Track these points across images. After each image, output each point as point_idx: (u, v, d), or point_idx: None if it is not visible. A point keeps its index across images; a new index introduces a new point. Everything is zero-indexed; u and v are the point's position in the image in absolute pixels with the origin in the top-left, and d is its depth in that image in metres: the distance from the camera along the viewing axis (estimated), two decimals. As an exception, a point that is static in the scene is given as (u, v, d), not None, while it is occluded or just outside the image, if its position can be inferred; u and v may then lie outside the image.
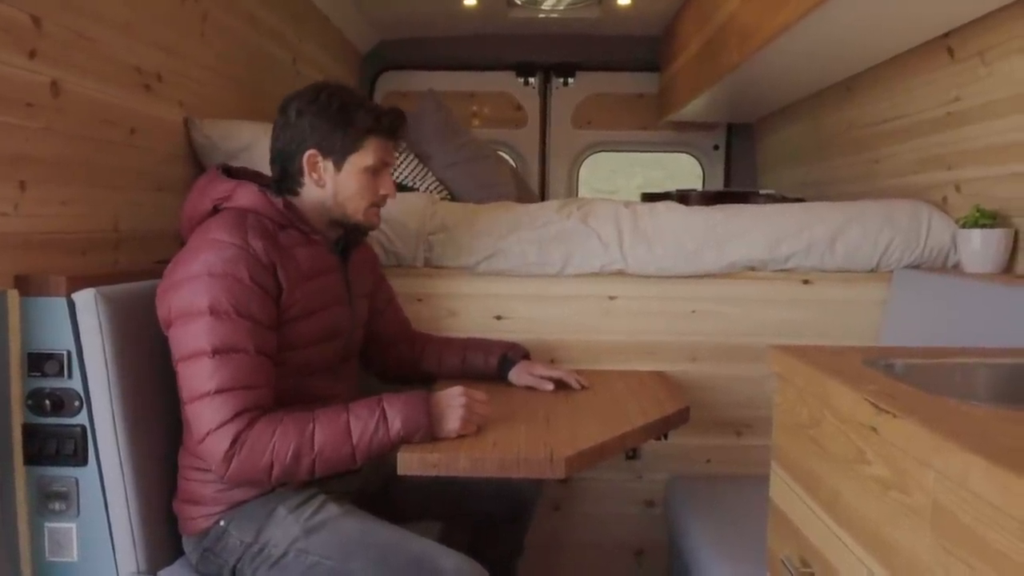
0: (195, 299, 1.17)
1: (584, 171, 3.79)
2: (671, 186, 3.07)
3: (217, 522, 1.24)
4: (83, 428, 1.26)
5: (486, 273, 1.79)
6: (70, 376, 1.25)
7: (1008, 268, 1.59)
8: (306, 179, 1.34)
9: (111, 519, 1.27)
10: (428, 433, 1.21)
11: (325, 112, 1.32)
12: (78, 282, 1.26)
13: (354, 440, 1.19)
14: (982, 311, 1.41)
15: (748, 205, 1.91)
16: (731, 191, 3.19)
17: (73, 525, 1.28)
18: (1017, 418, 0.76)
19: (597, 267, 1.77)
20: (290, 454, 1.16)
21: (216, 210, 1.29)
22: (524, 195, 2.44)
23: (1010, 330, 1.31)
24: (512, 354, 1.62)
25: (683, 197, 2.33)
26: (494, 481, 1.51)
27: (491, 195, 2.14)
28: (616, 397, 1.53)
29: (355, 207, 1.36)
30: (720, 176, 3.68)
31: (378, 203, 1.40)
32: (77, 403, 1.25)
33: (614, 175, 4.41)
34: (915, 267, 1.75)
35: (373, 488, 1.43)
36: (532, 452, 1.17)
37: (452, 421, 1.23)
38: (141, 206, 1.63)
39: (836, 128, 2.57)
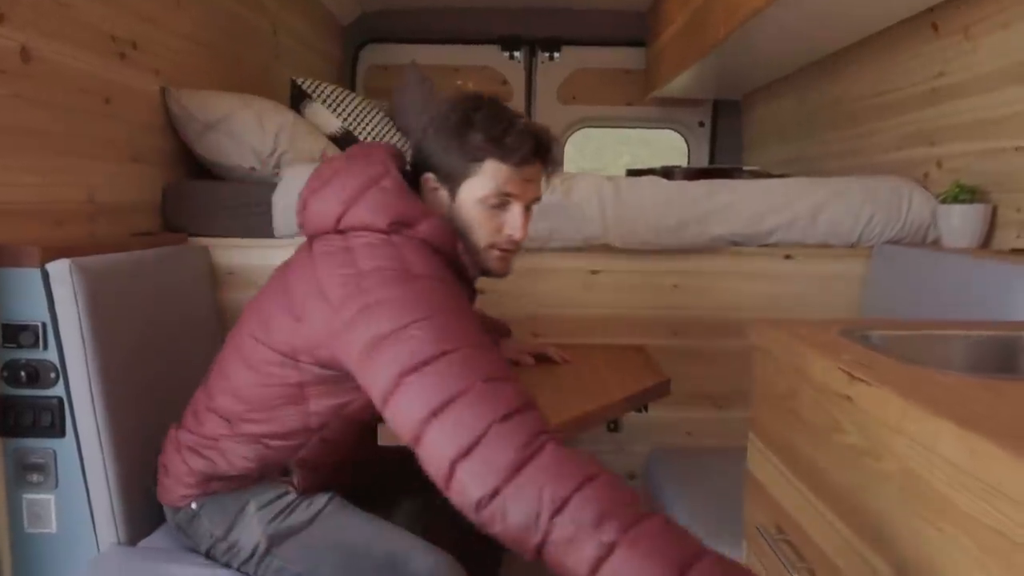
0: (411, 308, 0.96)
1: (571, 149, 3.77)
2: (657, 164, 3.06)
3: (190, 504, 1.18)
4: (60, 400, 1.25)
5: (469, 247, 1.78)
6: (45, 347, 1.24)
7: (986, 243, 1.60)
8: (430, 205, 1.13)
9: (90, 490, 1.26)
10: None
11: (444, 126, 1.12)
12: (52, 253, 1.24)
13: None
14: (960, 285, 1.42)
15: (732, 180, 1.91)
16: (715, 167, 3.19)
17: (52, 497, 1.27)
18: (988, 386, 0.77)
19: (579, 241, 1.77)
20: (594, 507, 0.79)
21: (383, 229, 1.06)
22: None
23: (987, 304, 1.33)
24: (499, 333, 1.61)
25: (667, 173, 2.31)
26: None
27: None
28: (597, 370, 1.54)
29: (470, 244, 1.14)
30: (705, 154, 3.68)
31: (500, 245, 1.15)
32: (53, 375, 1.24)
33: (601, 153, 4.40)
34: (895, 242, 1.76)
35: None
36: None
37: None
38: (117, 177, 1.60)
39: (822, 104, 2.57)
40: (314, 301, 1.04)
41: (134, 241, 1.58)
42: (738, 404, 1.81)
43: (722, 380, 1.83)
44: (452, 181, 1.13)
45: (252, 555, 1.15)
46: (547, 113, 3.62)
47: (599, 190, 1.79)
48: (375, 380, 0.94)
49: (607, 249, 1.79)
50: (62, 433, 1.25)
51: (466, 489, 0.83)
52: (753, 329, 1.17)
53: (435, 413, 0.87)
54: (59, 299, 1.23)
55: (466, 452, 0.84)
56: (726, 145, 3.62)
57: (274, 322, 1.10)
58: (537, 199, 1.18)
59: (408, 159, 1.21)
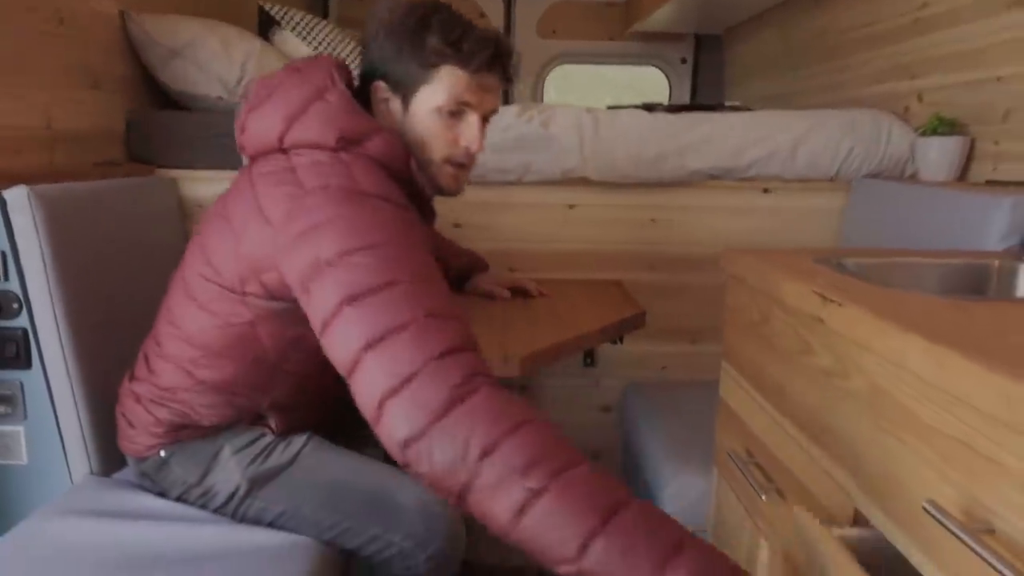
0: (365, 234, 0.89)
1: (552, 91, 3.69)
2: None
3: (158, 452, 1.12)
4: (24, 331, 1.22)
5: (444, 179, 1.75)
6: (6, 278, 1.20)
7: (962, 176, 1.60)
8: (380, 118, 1.06)
9: (60, 422, 1.24)
10: None
11: (398, 29, 1.03)
12: (9, 180, 1.19)
13: (599, 527, 0.73)
14: (936, 218, 1.42)
15: (712, 113, 1.88)
16: (696, 104, 3.15)
17: (21, 428, 1.26)
18: (958, 306, 0.78)
19: (557, 174, 1.75)
20: (522, 453, 0.75)
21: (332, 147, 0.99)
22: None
23: (962, 236, 1.33)
24: (477, 267, 1.59)
25: (648, 109, 2.28)
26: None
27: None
28: (574, 303, 1.53)
29: (423, 158, 1.07)
30: (687, 93, 3.63)
31: (456, 158, 1.08)
32: (16, 305, 1.21)
33: (582, 97, 4.31)
34: (874, 176, 1.76)
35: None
36: (487, 352, 1.17)
37: None
38: (77, 104, 1.54)
39: (805, 37, 2.53)
40: (254, 223, 0.97)
41: (97, 171, 1.52)
42: (713, 339, 1.82)
43: (697, 315, 1.84)
44: (405, 89, 1.05)
45: (231, 499, 1.11)
46: (526, 48, 3.53)
47: (579, 122, 1.75)
48: (316, 307, 0.89)
49: (585, 183, 1.77)
50: (28, 364, 1.23)
51: (393, 427, 0.79)
52: (726, 258, 1.17)
53: (371, 345, 0.82)
54: (18, 228, 1.19)
55: (397, 388, 0.80)
56: (708, 83, 3.57)
57: (217, 256, 1.03)
58: (494, 111, 1.10)
59: (357, 73, 1.12)
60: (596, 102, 1.91)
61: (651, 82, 3.72)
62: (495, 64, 1.06)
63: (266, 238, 0.95)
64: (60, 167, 1.46)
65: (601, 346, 1.86)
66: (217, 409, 1.10)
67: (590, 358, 1.88)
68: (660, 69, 3.66)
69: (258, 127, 1.03)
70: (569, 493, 0.73)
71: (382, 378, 0.81)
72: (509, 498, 0.74)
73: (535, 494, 0.73)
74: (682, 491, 1.38)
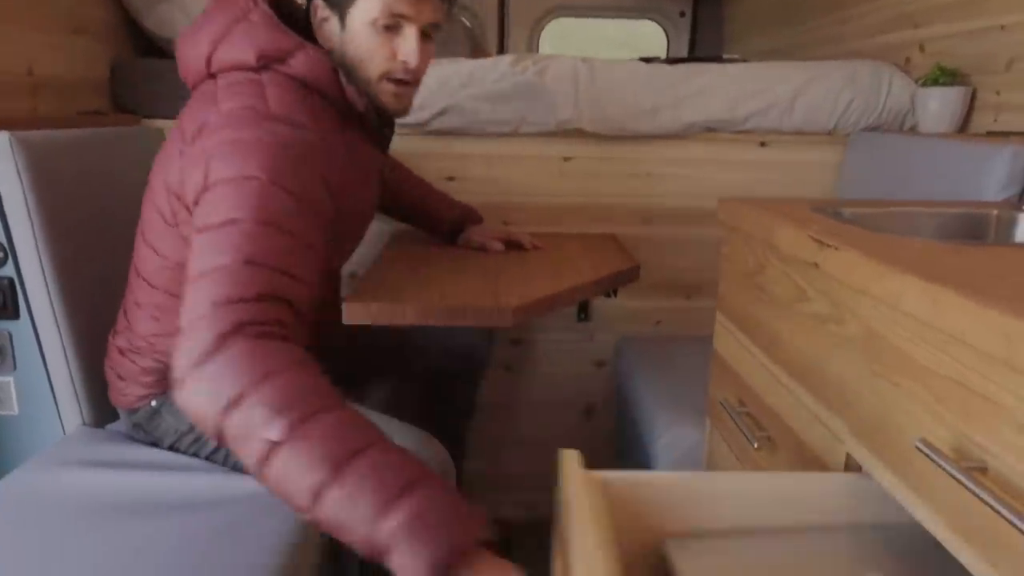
0: (248, 166, 0.89)
1: (547, 48, 3.61)
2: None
3: (150, 402, 1.13)
4: (11, 280, 1.20)
5: (438, 131, 1.72)
6: (-9, 226, 1.18)
7: (963, 128, 1.58)
8: (321, 41, 1.06)
9: (50, 372, 1.24)
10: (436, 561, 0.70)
11: None
12: (-10, 125, 1.16)
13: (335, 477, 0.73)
14: (935, 169, 1.41)
15: (711, 64, 1.84)
16: (695, 56, 3.09)
17: (10, 379, 1.25)
18: (955, 250, 0.77)
19: (552, 126, 1.72)
20: (265, 405, 0.75)
21: (254, 67, 0.99)
22: (479, 57, 2.32)
23: (961, 188, 1.32)
24: (470, 219, 1.57)
25: (646, 62, 2.24)
26: (443, 339, 1.51)
27: (442, 53, 2.02)
28: (568, 256, 1.52)
29: (363, 77, 1.04)
30: (685, 48, 3.55)
31: (394, 74, 1.05)
32: (1, 254, 1.19)
33: (580, 53, 4.23)
34: (872, 129, 1.73)
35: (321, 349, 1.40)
36: (480, 301, 1.16)
37: None
38: (58, 50, 1.50)
39: (805, -11, 2.47)
40: (175, 146, 0.98)
41: (82, 120, 1.49)
42: (708, 294, 1.82)
43: (693, 270, 1.83)
44: (341, 5, 1.02)
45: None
46: (521, 1, 3.45)
47: (574, 71, 1.72)
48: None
49: (580, 135, 1.74)
50: (16, 315, 1.22)
51: (174, 364, 0.80)
52: (723, 207, 1.16)
53: (193, 279, 0.84)
54: (1, 174, 1.16)
55: (185, 327, 0.80)
56: (707, 38, 3.50)
57: (155, 191, 1.04)
58: (435, 25, 1.07)
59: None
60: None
61: (648, 39, 3.65)
62: None
63: (176, 152, 0.97)
64: (43, 115, 1.43)
65: (595, 301, 1.85)
66: None
67: (584, 312, 1.87)
68: (658, 23, 3.59)
69: (189, 54, 1.03)
70: (305, 444, 0.73)
71: (185, 313, 0.82)
72: (252, 449, 0.75)
73: (273, 446, 0.74)
74: (675, 442, 1.38)
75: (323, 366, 1.11)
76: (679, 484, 0.72)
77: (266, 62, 0.99)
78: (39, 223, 1.18)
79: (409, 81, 1.07)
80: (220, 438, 0.77)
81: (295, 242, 0.88)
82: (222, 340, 0.78)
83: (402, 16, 1.02)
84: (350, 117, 1.06)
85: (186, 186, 0.94)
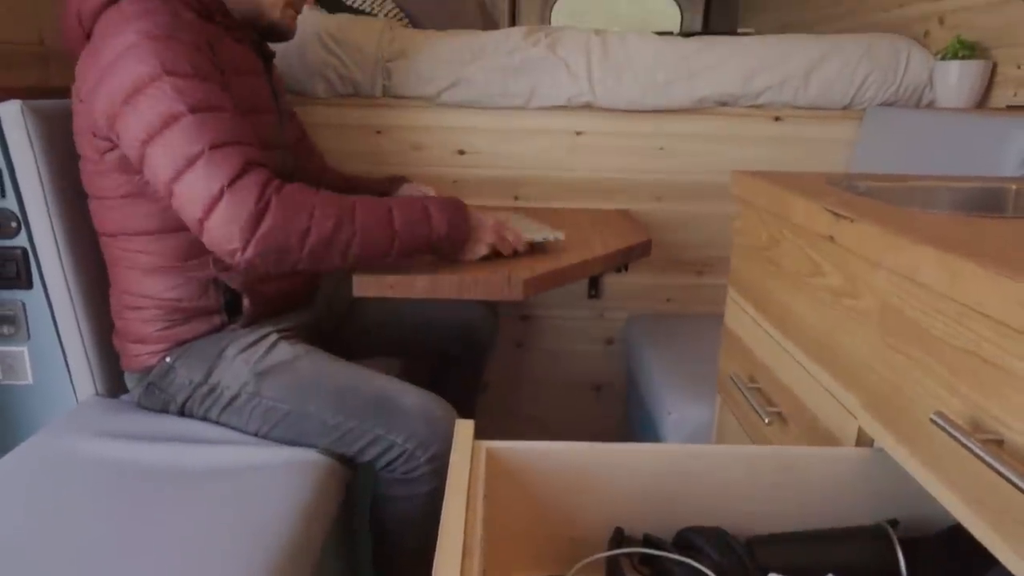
0: (145, 66, 0.97)
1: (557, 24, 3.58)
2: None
3: (163, 359, 1.16)
4: (24, 250, 1.21)
5: (448, 104, 1.71)
6: (3, 195, 1.19)
7: (982, 103, 1.55)
8: None
9: (63, 342, 1.25)
10: (464, 240, 1.16)
11: None
12: (2, 94, 1.16)
13: (396, 226, 1.08)
14: (953, 144, 1.38)
15: (725, 37, 1.81)
16: (709, 31, 3.05)
17: (24, 348, 1.27)
18: (971, 222, 0.75)
19: (564, 99, 1.70)
20: (333, 222, 1.02)
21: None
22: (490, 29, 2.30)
23: (979, 163, 1.29)
24: (397, 182, 1.56)
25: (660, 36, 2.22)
26: (451, 316, 1.52)
27: (454, 25, 2.00)
28: (579, 230, 1.51)
29: (270, 3, 1.18)
30: (699, 24, 3.52)
31: (296, 3, 1.22)
32: (15, 224, 1.20)
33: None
34: (889, 105, 1.71)
35: (327, 326, 1.40)
36: (492, 276, 1.16)
37: (485, 242, 1.19)
38: (69, 20, 1.49)
39: (823, -39, 2.43)
40: (90, 77, 1.04)
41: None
42: (720, 271, 1.81)
43: (704, 246, 1.82)
44: None
45: (238, 395, 1.13)
46: (534, -27, 3.42)
47: (586, 44, 1.70)
48: (125, 146, 1.02)
49: (592, 109, 1.72)
50: (29, 284, 1.23)
51: (227, 238, 1.00)
52: (736, 179, 1.14)
53: (182, 172, 0.97)
54: (13, 144, 1.16)
55: (209, 206, 0.98)
56: (721, 12, 3.46)
57: (80, 147, 1.12)
58: None
59: None
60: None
61: (662, 15, 3.61)
62: None
63: (83, 105, 1.06)
64: (55, 85, 1.42)
65: (605, 277, 1.84)
66: (184, 290, 1.14)
67: (594, 289, 1.87)
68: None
69: (65, 26, 1.11)
70: (365, 223, 1.06)
71: (196, 203, 0.98)
72: (338, 245, 1.05)
73: (351, 237, 1.05)
74: (685, 420, 1.38)
75: (326, 342, 1.18)
76: (568, 453, 0.73)
77: None
78: (51, 192, 1.18)
79: (298, 8, 1.23)
80: (301, 253, 1.02)
81: (228, 113, 1.02)
82: (262, 191, 0.99)
83: None
84: (208, 18, 1.13)
85: (97, 119, 1.03)
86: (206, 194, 0.97)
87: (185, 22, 1.04)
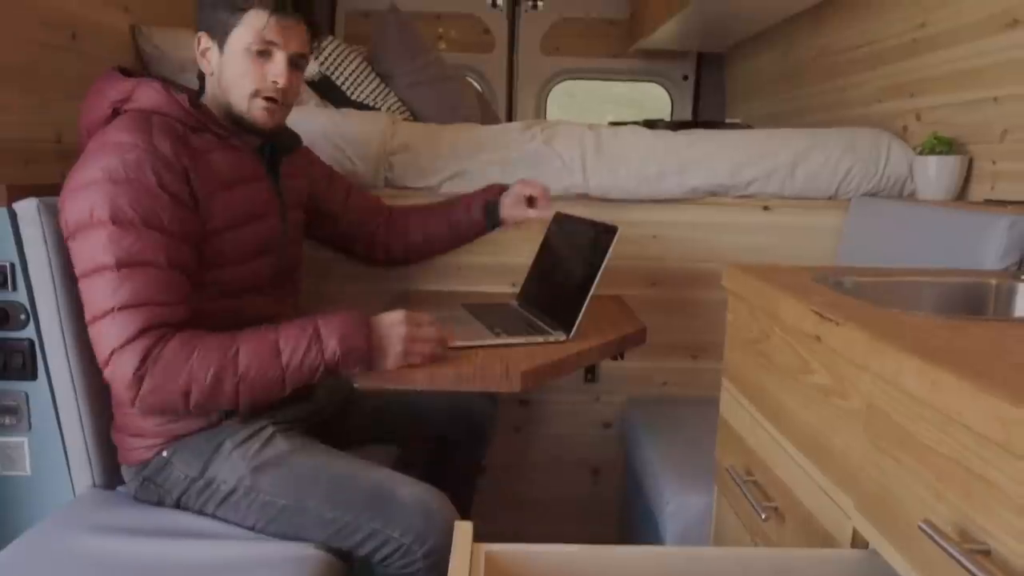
0: (95, 208, 1.05)
1: (555, 108, 3.72)
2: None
3: (159, 453, 1.17)
4: (31, 342, 1.23)
5: (449, 195, 1.76)
6: (15, 288, 1.22)
7: (961, 195, 1.62)
8: (203, 69, 1.22)
9: (64, 433, 1.25)
10: (366, 357, 1.13)
11: None
12: (20, 191, 1.21)
13: (284, 361, 1.09)
14: (934, 236, 1.43)
15: (712, 130, 1.90)
16: (698, 120, 3.18)
17: (24, 439, 1.27)
18: (953, 325, 0.79)
19: (560, 190, 1.76)
20: (211, 375, 1.05)
21: (116, 114, 1.16)
22: (489, 120, 2.39)
23: (960, 254, 1.34)
24: (492, 200, 1.61)
25: (650, 125, 2.31)
26: (449, 403, 1.53)
27: (455, 118, 2.09)
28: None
29: (238, 95, 1.18)
30: (689, 109, 3.65)
31: (265, 92, 1.19)
32: (23, 316, 1.23)
33: (586, 112, 4.34)
34: (873, 195, 1.77)
35: (327, 415, 1.41)
36: (489, 368, 1.18)
37: (392, 354, 1.14)
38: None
39: (806, 56, 2.55)
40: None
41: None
42: (714, 355, 1.82)
43: (698, 331, 1.85)
44: (221, 35, 1.18)
45: (234, 490, 1.14)
46: (530, 65, 3.57)
47: (580, 139, 1.77)
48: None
49: (587, 199, 1.78)
50: (34, 375, 1.24)
51: (118, 387, 1.07)
52: (727, 274, 1.18)
53: (95, 320, 1.07)
54: (27, 239, 1.20)
55: (104, 361, 1.07)
56: (710, 101, 3.60)
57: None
58: (302, 56, 1.24)
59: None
60: (598, 117, 1.94)
61: (654, 96, 3.75)
62: (296, 10, 1.20)
63: (62, 203, 1.12)
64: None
65: (602, 362, 1.86)
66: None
67: (591, 374, 1.88)
68: (662, 86, 3.69)
69: (83, 123, 1.20)
70: (250, 365, 1.08)
71: (97, 352, 1.07)
72: (224, 394, 1.08)
73: (237, 383, 1.08)
74: (683, 510, 1.38)
75: (324, 430, 1.18)
76: (566, 556, 0.74)
77: (117, 106, 1.16)
78: (62, 287, 1.21)
79: (278, 100, 1.22)
80: (188, 407, 1.07)
81: (154, 268, 1.07)
82: (143, 359, 1.04)
83: (272, 44, 1.18)
84: (202, 130, 1.19)
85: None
86: (103, 349, 1.06)
87: (160, 156, 1.09)
